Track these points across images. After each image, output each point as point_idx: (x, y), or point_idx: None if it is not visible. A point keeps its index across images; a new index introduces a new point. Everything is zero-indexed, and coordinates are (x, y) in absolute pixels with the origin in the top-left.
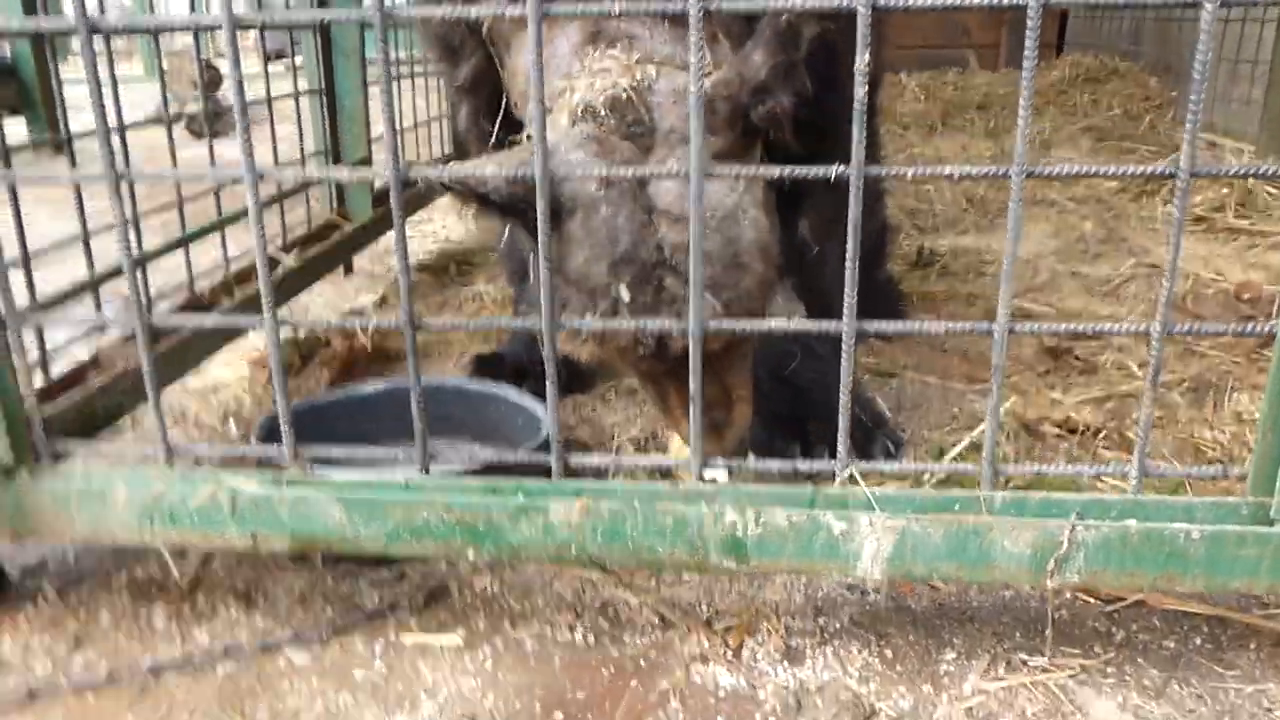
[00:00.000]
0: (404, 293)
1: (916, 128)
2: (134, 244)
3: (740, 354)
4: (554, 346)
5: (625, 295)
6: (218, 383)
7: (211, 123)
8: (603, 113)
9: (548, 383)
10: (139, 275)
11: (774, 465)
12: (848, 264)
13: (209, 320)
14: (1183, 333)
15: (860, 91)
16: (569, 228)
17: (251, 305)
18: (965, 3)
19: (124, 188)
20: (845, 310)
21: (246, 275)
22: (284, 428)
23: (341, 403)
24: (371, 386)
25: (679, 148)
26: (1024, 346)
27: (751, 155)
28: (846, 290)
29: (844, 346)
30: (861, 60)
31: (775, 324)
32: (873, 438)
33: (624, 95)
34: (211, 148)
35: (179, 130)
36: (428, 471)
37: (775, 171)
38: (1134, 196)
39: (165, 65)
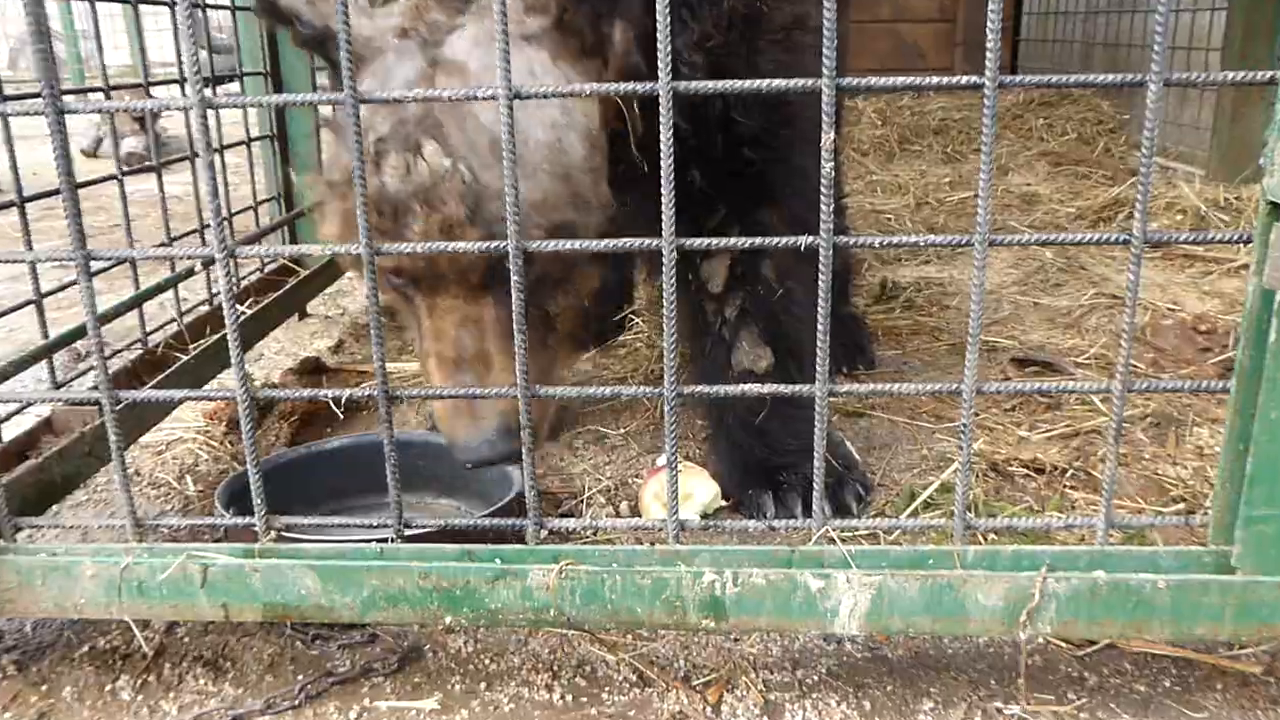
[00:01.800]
0: (378, 363)
1: (875, 153)
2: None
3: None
4: (529, 414)
5: (390, 167)
6: (171, 437)
7: (155, 155)
8: None
9: (524, 448)
10: (99, 340)
11: (750, 525)
12: (819, 329)
13: (176, 395)
14: (1143, 390)
15: (828, 167)
16: (363, 76)
17: (210, 357)
18: (926, 84)
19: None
20: (818, 372)
21: (201, 325)
22: (255, 499)
23: (307, 460)
24: (337, 442)
25: (486, 19)
26: (991, 366)
27: (590, 71)
28: (819, 352)
29: (817, 410)
30: (828, 138)
31: (745, 387)
32: (844, 482)
33: None
34: (162, 184)
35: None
36: (404, 538)
37: (730, 242)
38: (1091, 224)
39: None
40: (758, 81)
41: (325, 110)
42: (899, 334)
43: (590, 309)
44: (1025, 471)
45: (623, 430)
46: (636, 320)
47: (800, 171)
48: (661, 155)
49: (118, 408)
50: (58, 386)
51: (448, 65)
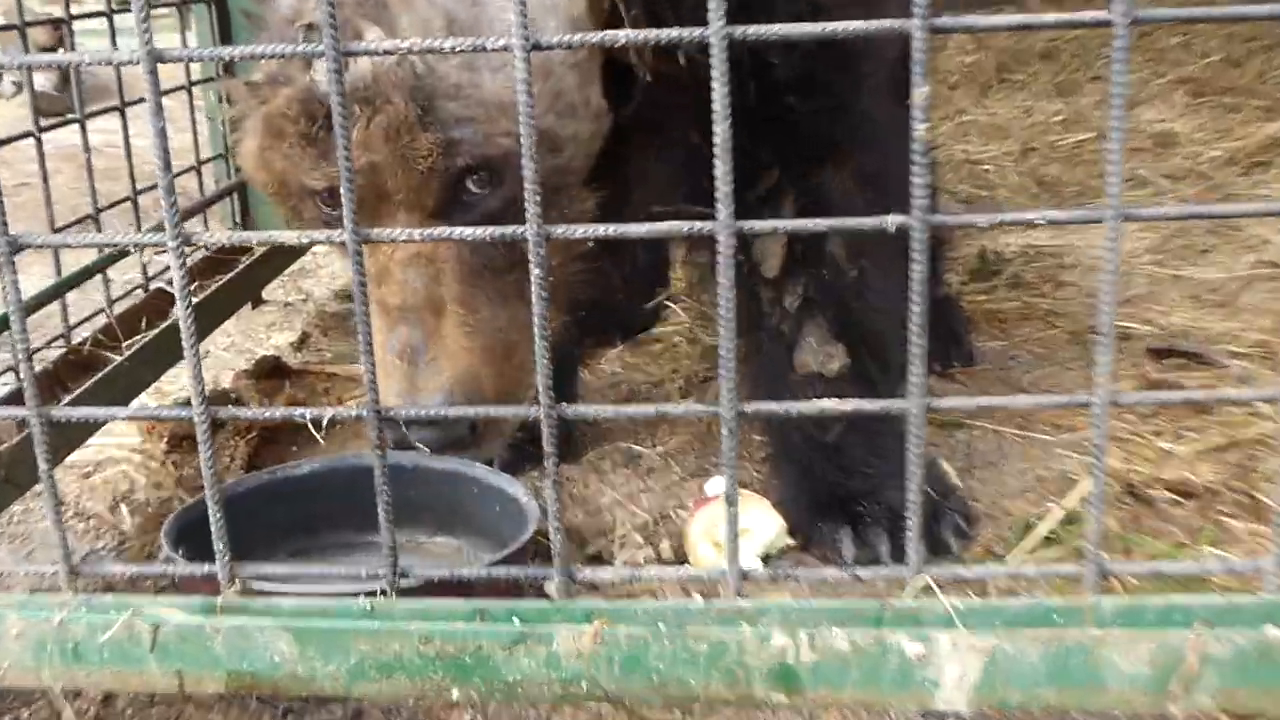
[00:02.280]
0: (367, 373)
1: (966, 86)
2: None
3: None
4: (554, 431)
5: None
6: (101, 456)
7: (63, 98)
8: None
9: (547, 480)
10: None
11: (829, 574)
12: (913, 329)
13: (121, 413)
14: None
15: (921, 128)
16: None
17: (149, 357)
18: (1040, 21)
19: None
20: (910, 383)
21: (134, 317)
22: (217, 542)
23: (270, 487)
24: (307, 466)
25: None
26: (1122, 358)
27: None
28: (913, 359)
29: (910, 432)
30: (921, 93)
31: (818, 404)
32: (940, 513)
33: None
34: (86, 138)
35: (23, 109)
36: (399, 591)
37: (822, 224)
38: (1244, 169)
39: None
40: (830, 26)
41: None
42: (1004, 319)
43: (613, 279)
44: (1170, 495)
45: (660, 449)
46: (672, 307)
47: (866, 118)
48: (715, 119)
49: (44, 424)
50: None
51: None
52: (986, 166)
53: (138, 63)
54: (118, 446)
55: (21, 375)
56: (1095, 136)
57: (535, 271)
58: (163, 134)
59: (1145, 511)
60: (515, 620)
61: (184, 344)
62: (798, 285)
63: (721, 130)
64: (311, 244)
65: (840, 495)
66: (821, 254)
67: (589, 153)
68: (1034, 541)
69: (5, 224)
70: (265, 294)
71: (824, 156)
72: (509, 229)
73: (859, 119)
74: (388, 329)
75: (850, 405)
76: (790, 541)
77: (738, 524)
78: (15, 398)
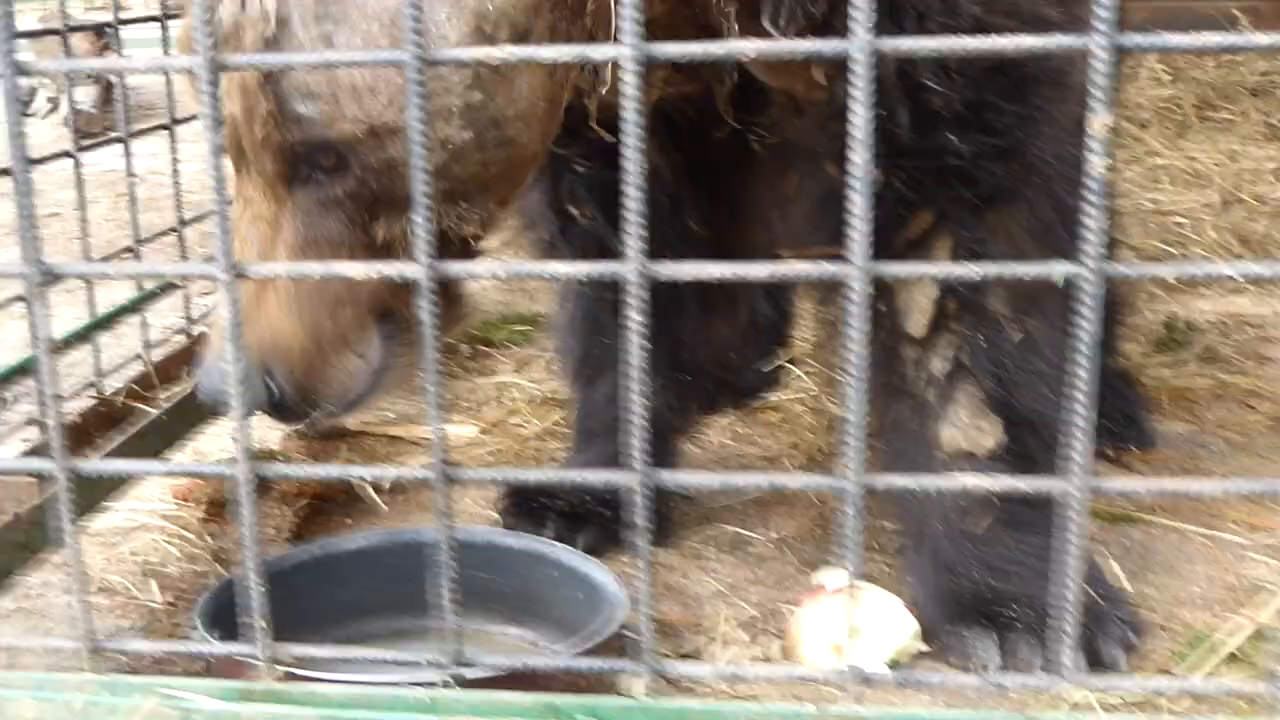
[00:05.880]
0: (435, 428)
1: (1160, 125)
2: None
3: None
4: (649, 500)
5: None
6: (130, 523)
7: (104, 117)
8: None
9: (639, 560)
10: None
11: (966, 681)
12: (1079, 395)
13: (156, 468)
14: None
15: (1098, 163)
16: None
17: (187, 411)
18: (1249, 43)
19: None
20: (1074, 458)
21: (173, 365)
22: (256, 619)
23: (320, 562)
24: (361, 540)
25: None
26: None
27: None
28: (1073, 431)
29: (1071, 517)
30: (1100, 122)
31: (959, 480)
32: (1103, 621)
33: None
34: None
35: (57, 129)
36: (461, 682)
37: (968, 271)
38: None
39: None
40: (989, 41)
41: None
42: (1194, 399)
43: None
44: None
45: (773, 534)
46: (795, 371)
47: (1041, 160)
48: (853, 144)
49: (72, 482)
50: None
51: None
52: (1180, 219)
53: (196, 71)
54: (148, 514)
55: (49, 424)
56: None
57: (634, 317)
58: (220, 151)
59: None
60: None
61: (230, 391)
62: (949, 348)
63: (860, 156)
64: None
65: (986, 597)
66: (980, 311)
67: (500, 159)
68: (1215, 659)
69: (37, 248)
70: None
71: (988, 202)
72: (608, 268)
73: (1032, 160)
74: None
75: (998, 484)
76: (923, 647)
77: (856, 614)
78: (37, 452)
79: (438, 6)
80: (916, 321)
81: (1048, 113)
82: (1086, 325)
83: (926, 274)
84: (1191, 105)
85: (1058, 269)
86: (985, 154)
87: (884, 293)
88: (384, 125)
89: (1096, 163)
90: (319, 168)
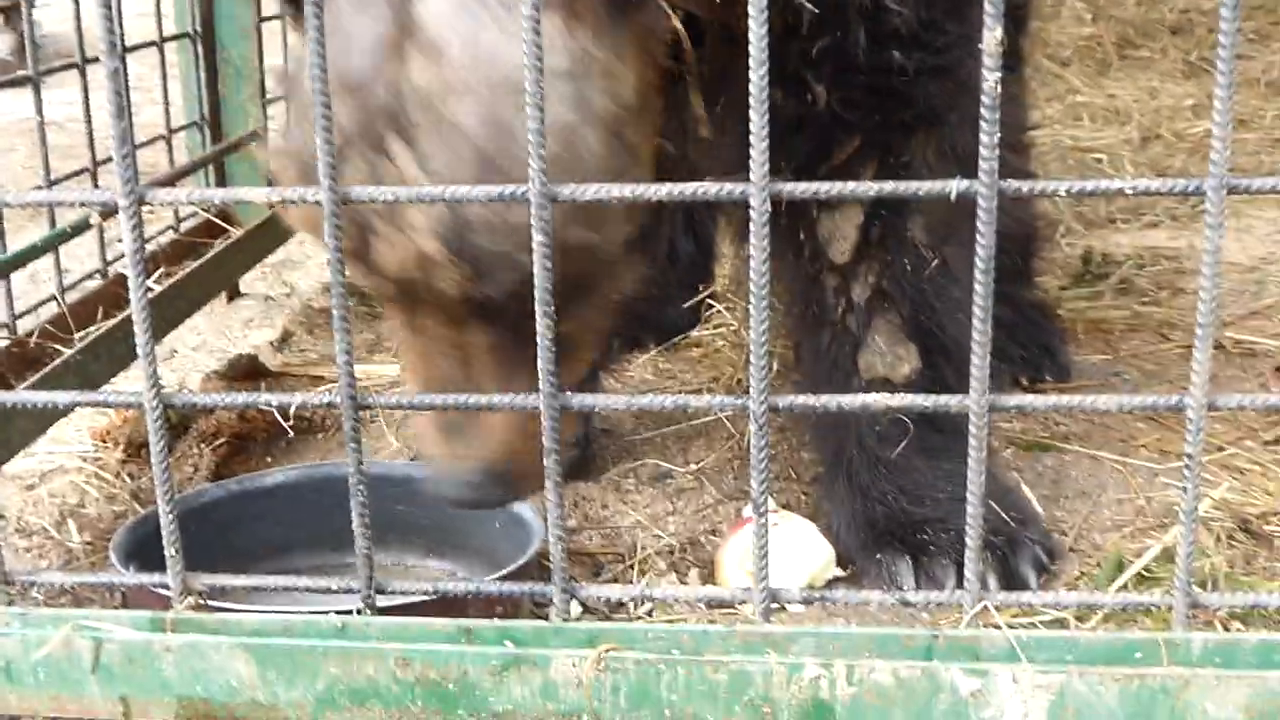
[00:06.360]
0: (342, 357)
1: (1081, 63)
2: None
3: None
4: (555, 421)
5: (353, 168)
6: (48, 465)
7: (31, 62)
8: None
9: (548, 481)
10: None
11: (872, 597)
12: (976, 312)
13: (63, 397)
14: None
15: (991, 79)
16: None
17: (104, 351)
18: None
19: None
20: (973, 376)
21: (89, 307)
22: (168, 547)
23: (238, 499)
24: (280, 475)
25: None
26: (1246, 378)
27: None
28: (975, 344)
29: (972, 433)
30: (992, 36)
31: (861, 398)
32: (1018, 544)
33: None
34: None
35: None
36: (374, 608)
37: (848, 189)
38: None
39: None
40: None
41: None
42: (1110, 330)
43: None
44: None
45: (694, 466)
46: (718, 307)
47: (971, 88)
48: (752, 63)
49: None
50: None
51: (421, 38)
52: (1099, 155)
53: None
54: (67, 455)
55: None
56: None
57: (538, 238)
58: (117, 75)
59: (1262, 550)
60: (507, 643)
61: (135, 318)
62: (870, 274)
63: (756, 75)
64: (293, 234)
65: (902, 521)
66: (902, 237)
67: (634, 243)
68: (1126, 579)
69: None
70: (243, 286)
71: (916, 124)
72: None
73: (964, 79)
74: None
75: (899, 400)
76: (840, 573)
77: (768, 535)
78: None
79: (585, 128)
80: (840, 248)
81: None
82: (983, 241)
83: (822, 192)
84: (1112, 43)
85: (953, 185)
86: (924, 71)
87: (806, 222)
88: (573, 246)
89: (990, 79)
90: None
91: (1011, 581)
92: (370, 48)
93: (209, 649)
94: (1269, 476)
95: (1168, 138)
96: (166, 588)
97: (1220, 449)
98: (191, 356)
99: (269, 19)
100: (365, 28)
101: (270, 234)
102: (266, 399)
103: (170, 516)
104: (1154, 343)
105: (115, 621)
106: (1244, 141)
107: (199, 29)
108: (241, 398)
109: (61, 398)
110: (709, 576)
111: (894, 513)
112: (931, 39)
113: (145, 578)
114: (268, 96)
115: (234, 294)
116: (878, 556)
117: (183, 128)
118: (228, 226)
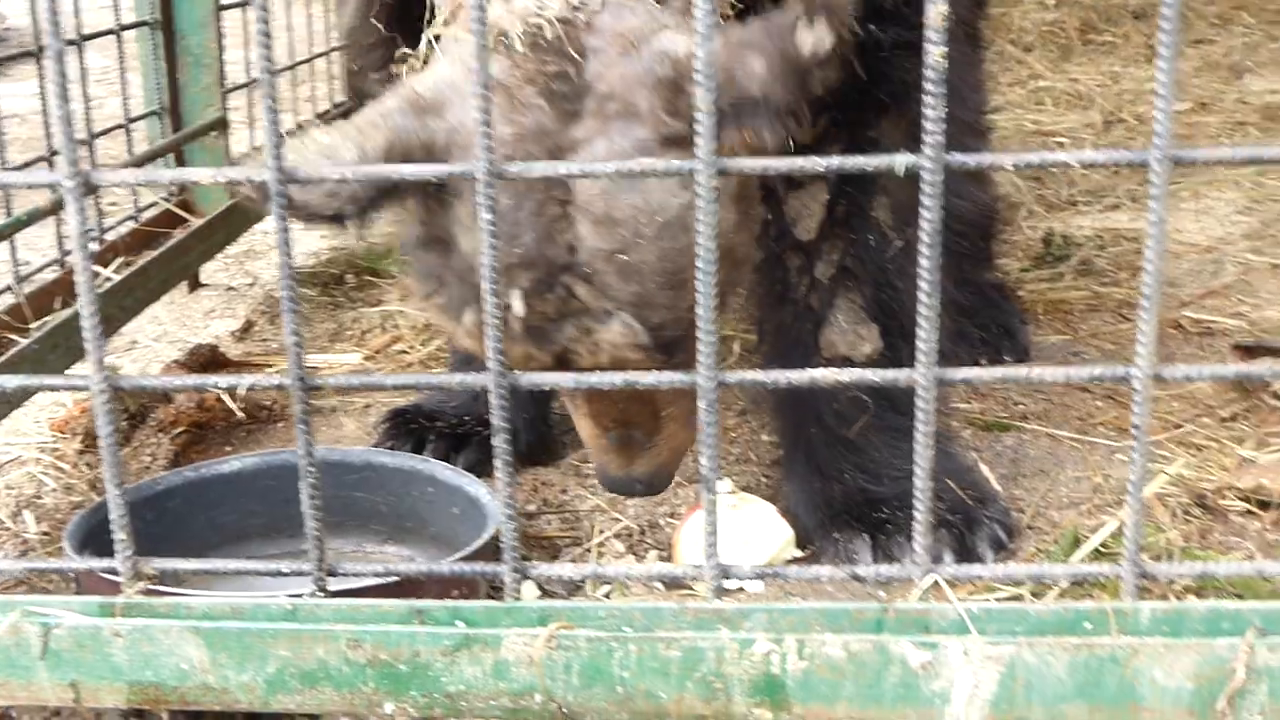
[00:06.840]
0: (290, 338)
1: (1044, 48)
2: None
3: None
4: (505, 406)
5: (519, 306)
6: (5, 457)
7: None
8: (518, 47)
9: (497, 460)
10: None
11: (823, 572)
12: (923, 287)
13: (11, 381)
14: None
15: (935, 53)
16: (457, 210)
17: (59, 341)
18: None
19: None
20: (920, 348)
21: (48, 296)
22: (118, 531)
23: (194, 486)
24: (236, 463)
25: (616, 123)
26: (1206, 355)
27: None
28: (922, 318)
29: (919, 406)
30: (936, 10)
31: (810, 374)
32: (974, 521)
33: (547, 27)
34: None
35: None
36: (326, 591)
37: (812, 165)
38: None
39: None
40: None
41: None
42: (1069, 310)
43: None
44: (1245, 507)
45: None
46: None
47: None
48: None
49: None
50: None
51: (584, 211)
52: (1062, 139)
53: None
54: (24, 446)
55: None
56: (1193, 108)
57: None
58: (60, 58)
59: (1216, 525)
60: (458, 623)
61: (81, 300)
62: (834, 252)
63: (703, 50)
64: (258, 220)
65: (860, 500)
66: (865, 217)
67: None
68: (1082, 556)
69: None
70: (205, 276)
71: (891, 98)
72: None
73: None
74: (618, 439)
75: (848, 374)
76: (798, 553)
77: (716, 511)
78: None
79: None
80: (806, 225)
81: (958, 17)
82: (928, 215)
83: (770, 169)
84: (1075, 28)
85: (899, 159)
86: (901, 46)
87: (774, 200)
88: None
89: (934, 51)
90: None
91: (968, 559)
92: (534, 223)
93: (159, 633)
94: (1225, 453)
95: (1130, 121)
96: (116, 573)
97: (1177, 426)
98: (153, 347)
99: (228, 7)
100: (526, 207)
101: (231, 223)
102: (215, 381)
103: (120, 501)
104: (1113, 323)
105: (64, 607)
106: (1205, 125)
107: (158, 17)
108: (190, 381)
109: (10, 381)
110: (667, 559)
111: (852, 491)
112: (910, 15)
113: (95, 563)
114: (226, 85)
115: (196, 284)
116: (835, 535)
117: (142, 116)
118: (188, 216)
